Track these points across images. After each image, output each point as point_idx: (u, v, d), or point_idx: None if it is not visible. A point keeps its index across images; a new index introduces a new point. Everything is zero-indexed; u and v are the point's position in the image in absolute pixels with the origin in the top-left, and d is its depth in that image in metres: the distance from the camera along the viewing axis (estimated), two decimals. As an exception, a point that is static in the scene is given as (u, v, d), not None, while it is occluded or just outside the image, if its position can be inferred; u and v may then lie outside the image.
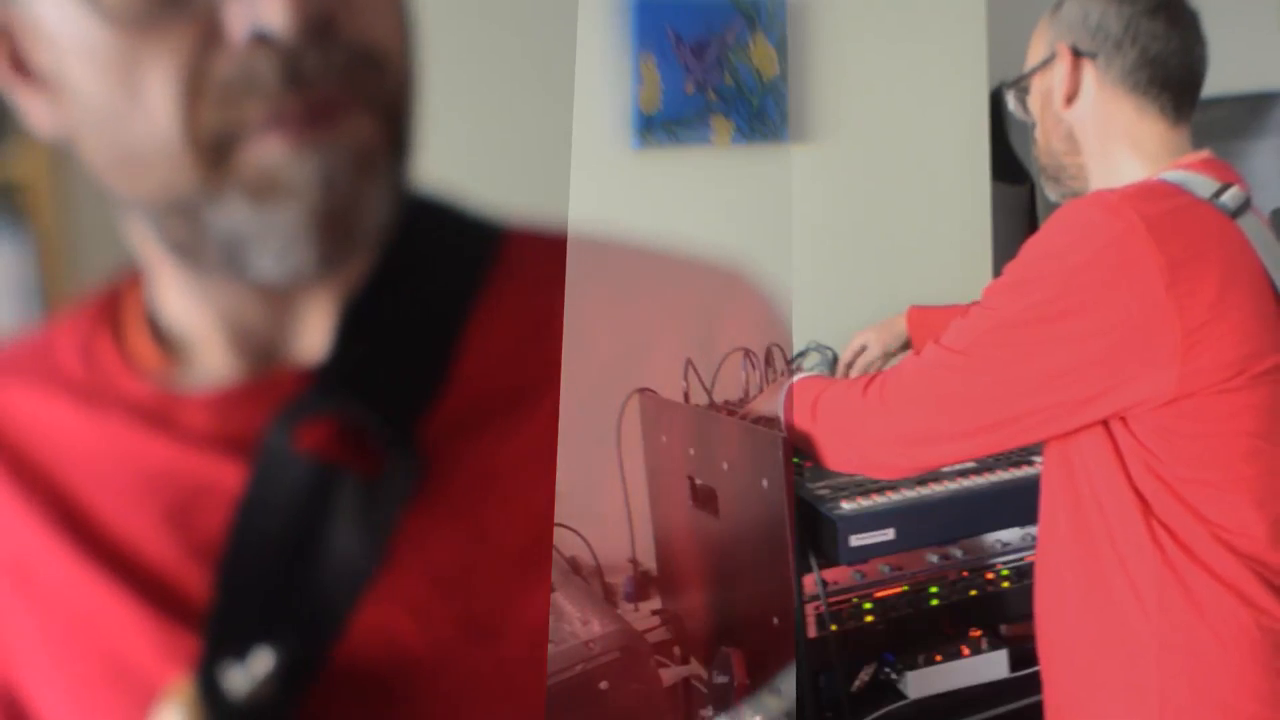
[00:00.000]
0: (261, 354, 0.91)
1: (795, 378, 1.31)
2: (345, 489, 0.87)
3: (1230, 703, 1.09)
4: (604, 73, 1.96)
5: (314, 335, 0.91)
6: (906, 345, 1.64)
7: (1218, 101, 1.29)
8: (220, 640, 0.86)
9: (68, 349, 0.98)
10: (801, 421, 1.26)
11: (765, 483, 1.32)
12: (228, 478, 0.88)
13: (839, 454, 1.25)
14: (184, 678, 0.85)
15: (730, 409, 1.51)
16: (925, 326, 1.58)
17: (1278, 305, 1.10)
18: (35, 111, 0.89)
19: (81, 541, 0.92)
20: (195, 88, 0.81)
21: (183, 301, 0.93)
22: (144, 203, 0.87)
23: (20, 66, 0.88)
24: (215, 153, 0.82)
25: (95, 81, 0.83)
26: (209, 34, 0.81)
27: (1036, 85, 1.25)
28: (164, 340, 0.95)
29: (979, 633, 1.48)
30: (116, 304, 0.99)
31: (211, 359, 0.92)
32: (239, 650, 0.84)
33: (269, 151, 0.81)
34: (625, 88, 1.97)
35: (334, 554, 0.87)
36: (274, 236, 0.84)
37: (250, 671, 0.84)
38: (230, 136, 0.82)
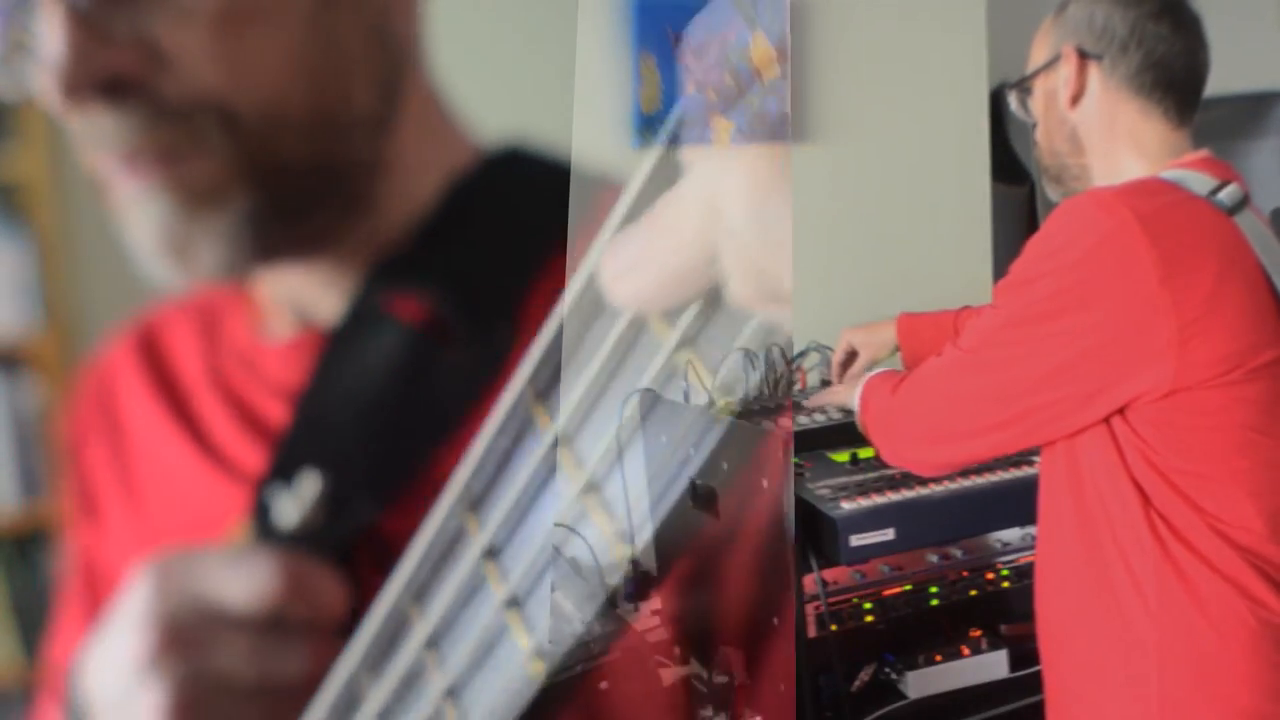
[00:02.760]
0: (299, 315, 1.06)
1: (870, 373, 1.34)
2: (437, 355, 0.99)
3: (1229, 695, 1.10)
4: (604, 73, 1.96)
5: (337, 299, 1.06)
6: (895, 352, 1.65)
7: (1218, 101, 1.29)
8: (280, 467, 0.99)
9: (212, 299, 1.21)
10: (860, 420, 1.31)
11: (765, 483, 1.32)
12: (279, 418, 1.08)
13: (883, 450, 1.29)
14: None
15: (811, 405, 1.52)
16: (914, 334, 1.59)
17: (1274, 301, 1.11)
18: None
19: (186, 425, 1.13)
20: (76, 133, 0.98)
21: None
22: None
23: None
24: (104, 184, 0.99)
25: None
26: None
27: (1040, 86, 1.26)
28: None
29: (979, 633, 1.49)
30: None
31: (274, 315, 1.14)
32: (293, 478, 0.97)
33: (118, 190, 0.97)
34: (625, 88, 1.97)
35: (414, 413, 0.99)
36: (142, 252, 1.08)
37: (299, 495, 0.93)
38: (100, 172, 0.99)
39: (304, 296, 1.12)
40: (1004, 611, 1.50)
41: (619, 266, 1.11)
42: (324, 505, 0.99)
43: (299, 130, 1.01)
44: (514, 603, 1.21)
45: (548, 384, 1.12)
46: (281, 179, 1.02)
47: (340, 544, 1.02)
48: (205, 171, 0.99)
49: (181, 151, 0.98)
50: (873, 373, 1.34)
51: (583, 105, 1.96)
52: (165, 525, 1.14)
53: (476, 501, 1.14)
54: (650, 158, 1.16)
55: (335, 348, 1.07)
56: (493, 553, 1.18)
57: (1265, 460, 1.10)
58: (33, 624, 1.56)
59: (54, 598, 1.52)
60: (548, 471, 1.19)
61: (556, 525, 1.26)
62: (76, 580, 1.26)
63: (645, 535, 1.57)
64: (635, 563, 1.71)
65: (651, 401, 1.61)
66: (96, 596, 1.21)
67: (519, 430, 1.13)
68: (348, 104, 1.04)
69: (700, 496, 1.48)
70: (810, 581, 1.39)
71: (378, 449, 1.04)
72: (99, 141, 0.99)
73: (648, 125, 1.98)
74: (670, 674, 1.45)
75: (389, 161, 1.08)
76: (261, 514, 1.03)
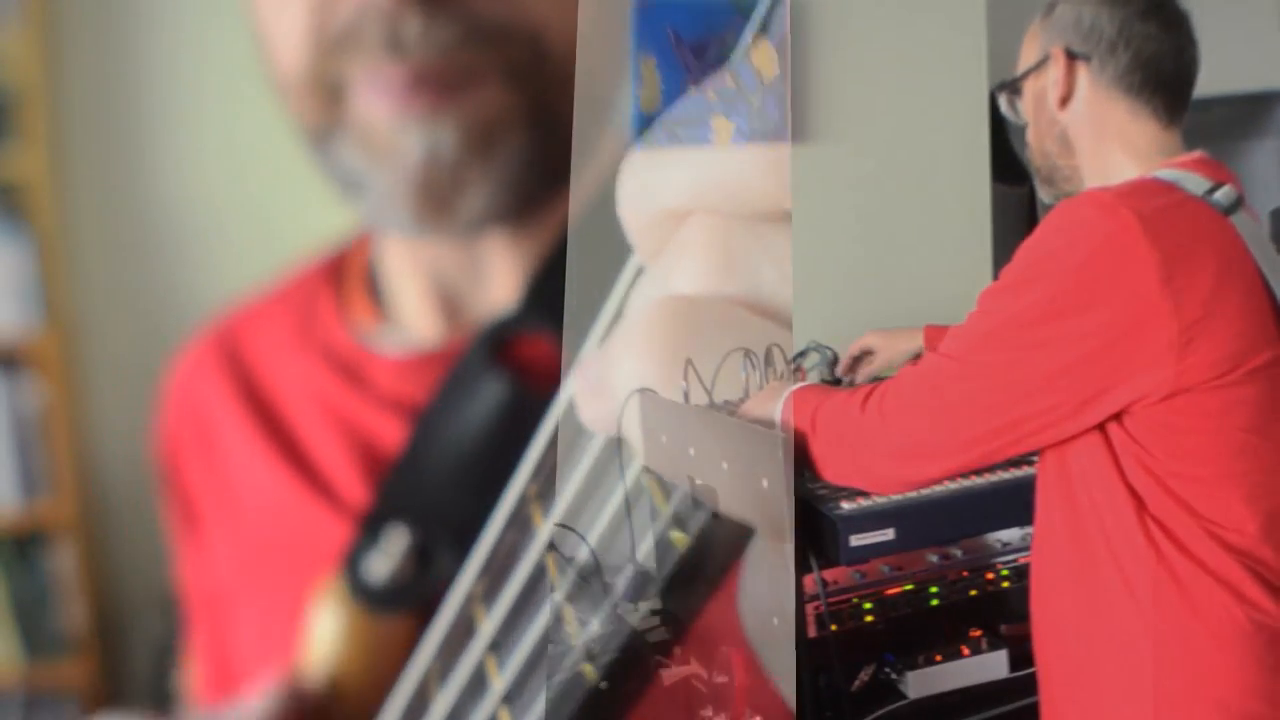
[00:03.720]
0: (453, 309, 1.01)
1: (792, 386, 1.30)
2: (537, 407, 0.95)
3: (1224, 698, 1.10)
4: (604, 72, 1.96)
5: (502, 292, 0.99)
6: (915, 360, 1.65)
7: (1218, 101, 1.29)
8: (370, 526, 0.95)
9: (298, 293, 1.15)
10: (799, 433, 1.25)
11: (765, 483, 1.32)
12: (394, 435, 0.99)
13: (839, 468, 1.23)
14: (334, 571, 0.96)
15: (730, 410, 1.51)
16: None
17: (1270, 301, 1.11)
18: (249, 21, 1.03)
19: (273, 436, 1.08)
20: (317, 34, 0.90)
21: (394, 251, 1.04)
22: (299, 130, 1.00)
23: None
24: (330, 96, 0.91)
25: (263, 10, 0.95)
26: None
27: (1029, 88, 1.25)
28: (378, 297, 1.06)
29: (979, 633, 1.48)
30: (342, 260, 1.12)
31: (413, 314, 1.03)
32: (381, 535, 0.94)
33: (372, 109, 0.90)
34: (625, 88, 1.96)
35: (514, 461, 0.96)
36: (377, 187, 0.93)
37: (387, 552, 0.91)
38: (341, 84, 0.91)
39: (461, 284, 1.06)
40: (1004, 611, 1.50)
41: (585, 387, 1.08)
42: (413, 559, 0.97)
43: (572, 83, 0.98)
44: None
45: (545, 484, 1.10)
46: (550, 130, 0.97)
47: (427, 596, 1.01)
48: (497, 103, 0.92)
49: (479, 77, 0.91)
50: (797, 385, 1.29)
51: (583, 105, 1.96)
52: (264, 547, 1.10)
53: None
54: (630, 270, 1.13)
55: (434, 410, 1.02)
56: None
57: (1260, 463, 1.10)
58: (33, 624, 1.56)
59: (54, 598, 1.52)
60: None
61: (557, 525, 1.26)
62: (193, 604, 1.23)
63: (645, 535, 1.57)
64: (635, 562, 1.71)
65: (651, 401, 1.61)
66: (212, 618, 1.18)
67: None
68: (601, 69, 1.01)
69: (700, 496, 1.48)
70: (810, 581, 1.39)
71: (472, 503, 1.01)
72: (397, 51, 0.91)
73: (648, 125, 1.98)
74: (670, 674, 1.45)
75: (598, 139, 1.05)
76: (352, 569, 1.00)
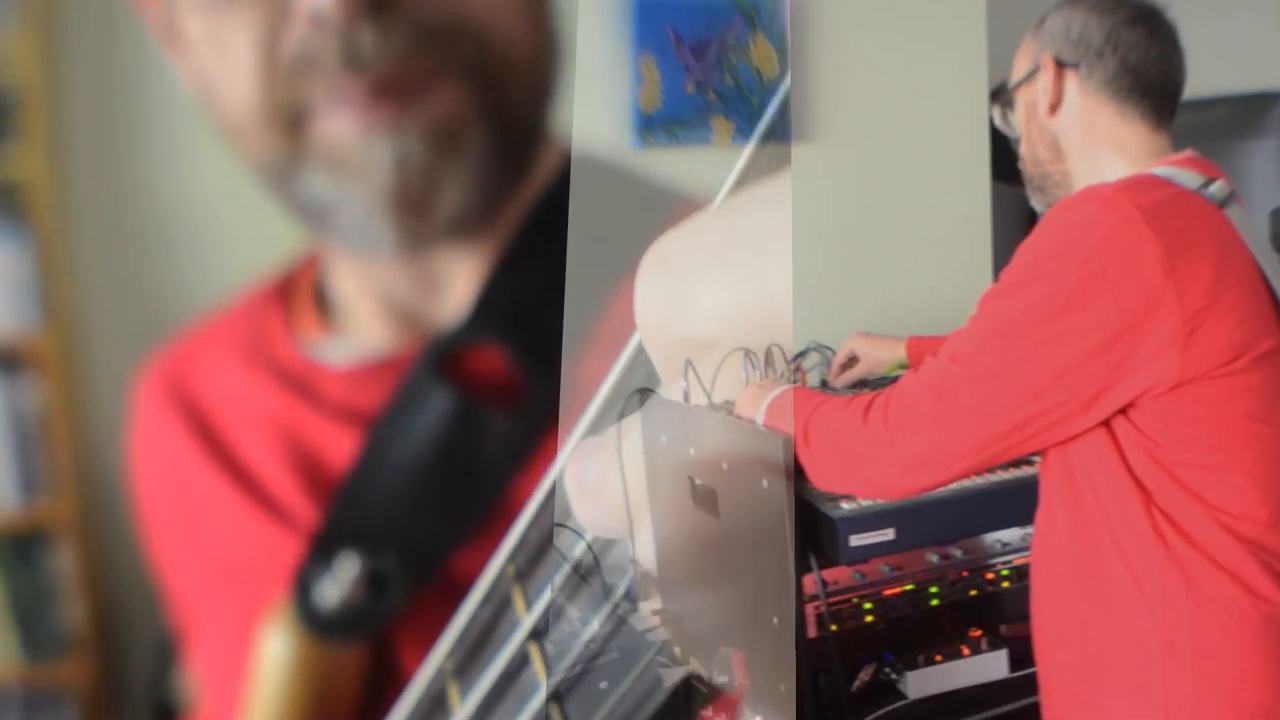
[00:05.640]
0: (407, 320, 1.00)
1: (775, 391, 1.30)
2: (487, 422, 0.94)
3: (1235, 693, 1.10)
4: (604, 73, 1.96)
5: (456, 301, 0.98)
6: (896, 369, 1.66)
7: (1218, 101, 1.30)
8: (319, 551, 0.94)
9: (245, 315, 1.14)
10: (796, 443, 1.23)
11: (765, 483, 1.32)
12: (346, 446, 0.98)
13: (837, 478, 1.22)
14: (283, 595, 0.95)
15: (728, 410, 1.51)
16: (925, 357, 1.58)
17: (1267, 290, 1.12)
18: (180, 73, 1.00)
19: (224, 466, 1.07)
20: (269, 64, 0.88)
21: (344, 271, 1.04)
22: (252, 168, 0.98)
23: (172, 31, 0.98)
24: (290, 125, 0.89)
25: (202, 54, 0.92)
26: (280, 14, 0.87)
27: (1021, 98, 1.28)
28: (327, 310, 1.06)
29: (979, 633, 1.49)
30: (290, 279, 1.11)
31: (363, 326, 1.02)
32: (332, 561, 0.93)
33: (337, 129, 0.89)
34: (625, 88, 1.97)
35: (464, 480, 0.94)
36: (350, 209, 0.92)
37: (338, 578, 0.90)
38: (302, 111, 0.89)
39: (413, 293, 1.04)
40: (1004, 611, 1.50)
41: (579, 485, 1.06)
42: (364, 586, 0.96)
43: (520, 74, 0.97)
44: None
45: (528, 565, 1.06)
46: (504, 121, 0.97)
47: (378, 623, 0.99)
48: (454, 103, 0.92)
49: (436, 80, 0.92)
50: (780, 389, 1.27)
51: (583, 105, 1.97)
52: (219, 568, 1.10)
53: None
54: (621, 364, 1.10)
55: (383, 426, 1.01)
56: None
57: (1269, 449, 1.11)
58: (33, 624, 1.56)
59: (54, 598, 1.52)
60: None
61: (556, 525, 1.26)
62: (178, 614, 1.23)
63: (645, 535, 1.57)
64: (635, 563, 1.71)
65: (652, 401, 1.61)
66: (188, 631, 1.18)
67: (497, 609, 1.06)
68: (544, 61, 1.00)
69: (700, 496, 1.48)
70: (810, 581, 1.39)
71: (420, 523, 1.00)
72: (356, 65, 0.90)
73: (648, 125, 1.98)
74: (670, 674, 1.45)
75: (544, 139, 1.04)
76: (301, 594, 0.99)
